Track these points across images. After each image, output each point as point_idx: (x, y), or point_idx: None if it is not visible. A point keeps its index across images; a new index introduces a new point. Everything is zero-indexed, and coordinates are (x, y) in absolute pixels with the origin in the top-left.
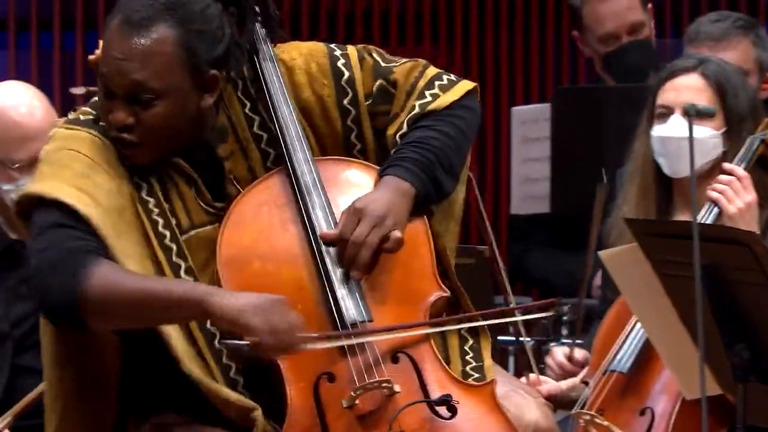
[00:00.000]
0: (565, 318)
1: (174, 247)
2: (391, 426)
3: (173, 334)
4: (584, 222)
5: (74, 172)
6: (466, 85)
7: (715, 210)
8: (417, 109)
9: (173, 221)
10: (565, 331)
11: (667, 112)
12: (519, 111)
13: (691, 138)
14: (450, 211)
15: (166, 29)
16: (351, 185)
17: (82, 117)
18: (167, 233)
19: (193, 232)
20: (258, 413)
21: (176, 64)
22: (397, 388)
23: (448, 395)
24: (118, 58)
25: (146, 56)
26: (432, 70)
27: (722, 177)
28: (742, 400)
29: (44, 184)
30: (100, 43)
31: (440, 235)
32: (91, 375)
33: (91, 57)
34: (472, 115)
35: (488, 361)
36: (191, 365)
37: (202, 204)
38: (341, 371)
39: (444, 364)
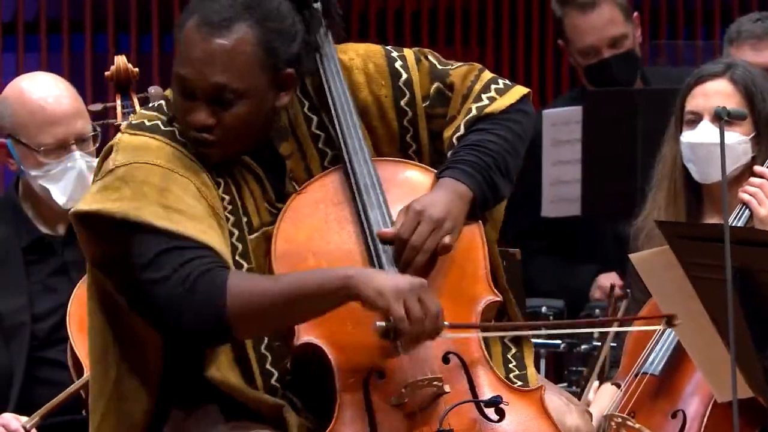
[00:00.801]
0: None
1: (240, 246)
2: (441, 424)
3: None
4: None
5: (155, 189)
6: (521, 89)
7: (746, 213)
8: (474, 112)
9: (244, 219)
10: (596, 333)
11: (696, 118)
12: (550, 113)
13: (722, 140)
14: (492, 218)
15: (246, 29)
16: (408, 186)
17: (147, 122)
18: (236, 232)
19: (260, 232)
20: (288, 411)
21: (256, 64)
22: (446, 388)
23: (499, 396)
24: (199, 59)
25: (228, 57)
26: (487, 74)
27: (754, 180)
28: None
29: (128, 205)
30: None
31: (490, 248)
32: (134, 372)
33: (108, 73)
34: (527, 119)
35: (531, 369)
36: (222, 367)
37: (267, 205)
38: (392, 369)
39: (493, 367)
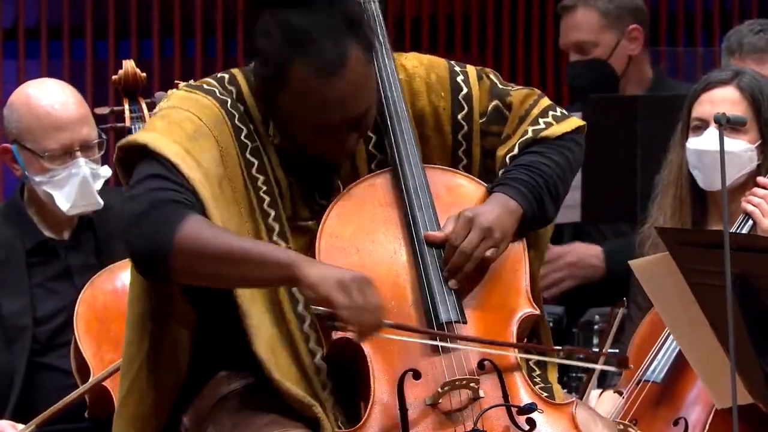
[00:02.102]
0: (596, 327)
1: (277, 227)
2: (476, 423)
3: (254, 313)
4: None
5: (185, 133)
6: (577, 120)
7: (749, 222)
8: (530, 134)
9: (280, 202)
10: (596, 340)
11: (702, 125)
12: None
13: (721, 145)
14: (538, 248)
15: (355, 52)
16: (456, 195)
17: (206, 86)
18: (272, 212)
19: (296, 223)
20: (317, 409)
21: (372, 79)
22: (481, 393)
23: (533, 403)
24: (337, 105)
25: (357, 88)
26: (546, 101)
27: (758, 190)
28: None
29: (153, 136)
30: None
31: (531, 267)
32: (167, 345)
33: (115, 77)
34: (579, 150)
35: (556, 384)
36: (271, 348)
37: (307, 197)
38: (427, 369)
39: (527, 378)
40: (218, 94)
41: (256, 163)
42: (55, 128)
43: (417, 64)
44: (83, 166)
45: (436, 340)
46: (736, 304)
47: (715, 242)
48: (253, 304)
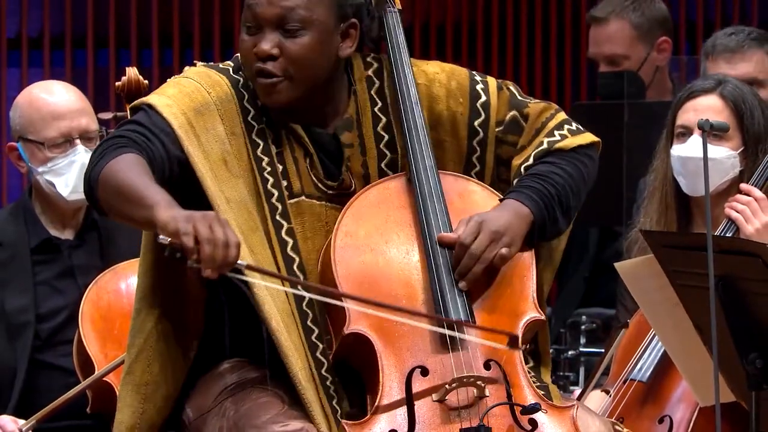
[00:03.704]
0: (583, 327)
1: (279, 206)
2: (482, 420)
3: (273, 315)
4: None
5: (193, 104)
6: (592, 136)
7: (733, 228)
8: (545, 145)
9: (284, 183)
10: (583, 340)
11: (686, 133)
12: None
13: (705, 151)
14: (550, 259)
15: None
16: (469, 201)
17: (221, 65)
18: (275, 192)
19: (300, 198)
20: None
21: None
22: (487, 392)
23: (537, 404)
24: None
25: None
26: (562, 115)
27: (741, 197)
28: (755, 407)
29: (163, 100)
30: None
31: (539, 276)
32: (173, 317)
33: (118, 83)
34: (593, 164)
35: (552, 386)
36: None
37: (313, 177)
38: (436, 366)
39: (531, 380)
40: (231, 73)
41: (261, 144)
42: (53, 117)
43: (438, 70)
44: (82, 153)
45: (340, 300)
46: (718, 306)
47: (699, 245)
48: (265, 300)
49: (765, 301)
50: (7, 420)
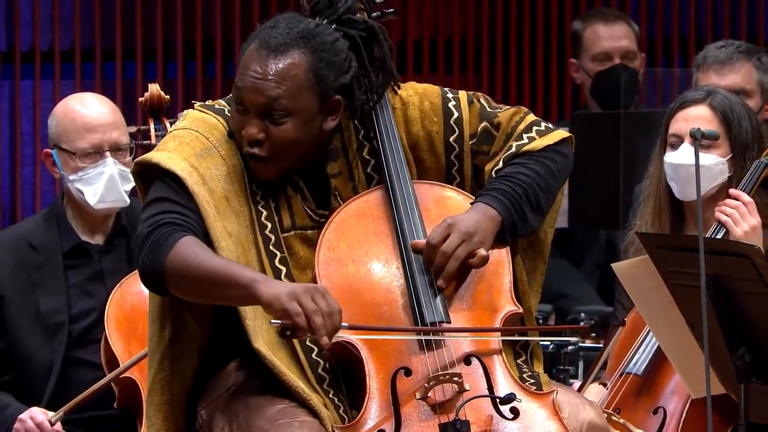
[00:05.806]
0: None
1: (273, 237)
2: (458, 413)
3: (256, 315)
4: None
5: (193, 151)
6: (562, 133)
7: (723, 230)
8: (513, 149)
9: (276, 218)
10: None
11: (677, 141)
12: None
13: (696, 157)
14: (540, 252)
15: (299, 55)
16: (444, 207)
17: (217, 105)
18: (269, 224)
19: (292, 232)
20: (315, 402)
21: (305, 87)
22: (467, 386)
23: (513, 393)
24: (255, 77)
25: (280, 77)
26: (531, 117)
27: (730, 201)
28: (744, 399)
29: (164, 155)
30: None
31: (530, 272)
32: (187, 336)
33: (141, 99)
34: (564, 160)
35: (543, 375)
36: (270, 345)
37: (306, 209)
38: (417, 367)
39: (511, 372)
40: (227, 113)
41: (256, 179)
42: (87, 129)
43: (412, 93)
44: (111, 165)
45: (415, 335)
46: (709, 304)
47: (691, 246)
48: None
49: (753, 299)
50: (38, 411)
